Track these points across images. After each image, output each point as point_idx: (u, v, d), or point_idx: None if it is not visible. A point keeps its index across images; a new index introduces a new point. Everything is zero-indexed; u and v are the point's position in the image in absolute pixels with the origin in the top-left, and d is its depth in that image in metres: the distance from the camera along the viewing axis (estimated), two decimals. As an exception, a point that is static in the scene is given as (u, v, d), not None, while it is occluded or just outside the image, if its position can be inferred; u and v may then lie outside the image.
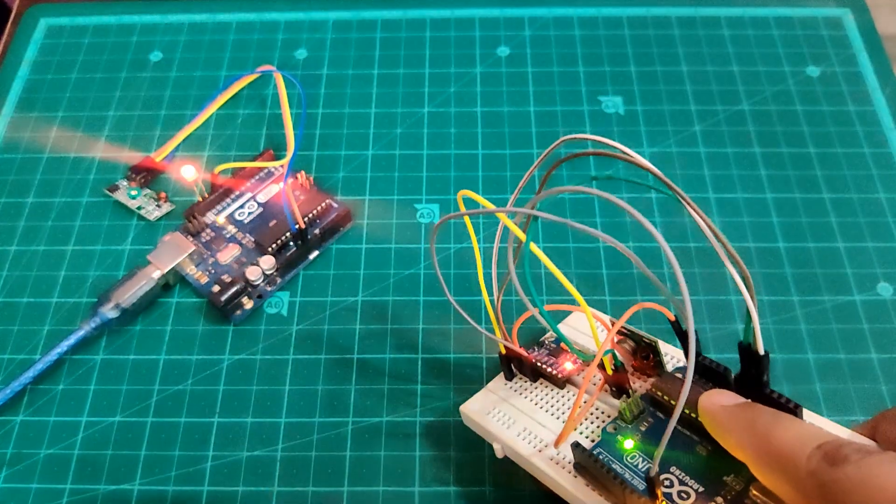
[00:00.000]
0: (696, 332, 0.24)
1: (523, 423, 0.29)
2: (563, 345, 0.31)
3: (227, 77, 0.47)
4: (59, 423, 0.35)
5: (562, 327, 0.34)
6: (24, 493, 0.33)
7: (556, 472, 0.27)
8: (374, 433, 0.34)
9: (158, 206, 0.41)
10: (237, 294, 0.37)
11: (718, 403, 0.23)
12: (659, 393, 0.27)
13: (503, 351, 0.31)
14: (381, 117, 0.45)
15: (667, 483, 0.24)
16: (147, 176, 0.42)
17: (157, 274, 0.37)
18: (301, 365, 0.36)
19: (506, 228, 0.26)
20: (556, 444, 0.27)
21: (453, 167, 0.42)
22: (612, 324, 0.27)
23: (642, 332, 0.28)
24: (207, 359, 0.36)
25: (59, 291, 0.39)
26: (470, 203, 0.27)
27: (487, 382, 0.35)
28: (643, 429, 0.27)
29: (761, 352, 0.23)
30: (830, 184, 0.41)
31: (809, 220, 0.40)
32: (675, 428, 0.25)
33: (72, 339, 0.35)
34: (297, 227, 0.37)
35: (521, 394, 0.31)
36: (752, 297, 0.22)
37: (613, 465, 0.26)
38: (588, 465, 0.25)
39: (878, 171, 0.42)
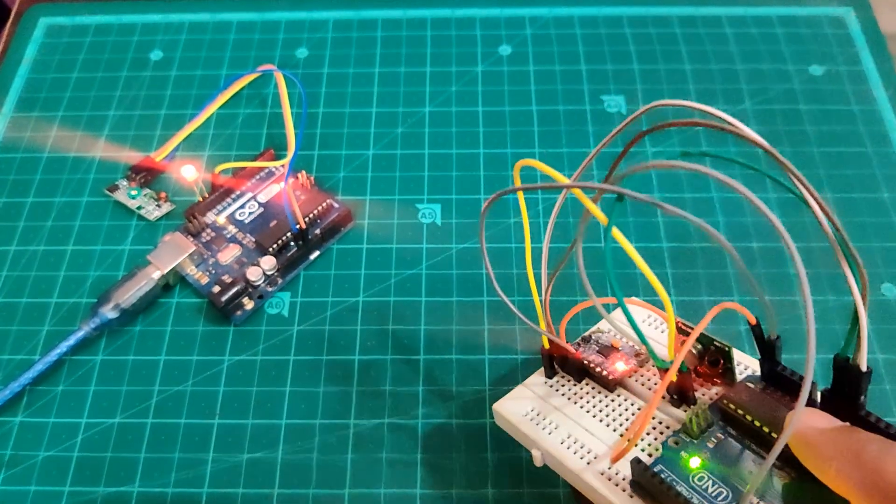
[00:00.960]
0: (778, 337, 0.23)
1: (567, 428, 0.27)
2: (614, 342, 0.29)
3: (227, 76, 0.47)
4: (59, 425, 0.34)
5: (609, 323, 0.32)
6: (23, 495, 0.33)
7: (610, 490, 0.24)
8: (376, 435, 0.34)
9: (158, 206, 0.41)
10: (238, 294, 0.37)
11: (812, 426, 0.20)
12: (731, 406, 0.24)
13: (546, 346, 0.29)
14: (382, 116, 0.45)
15: None
16: (147, 176, 0.42)
17: (157, 274, 0.37)
18: (302, 366, 0.36)
19: (570, 204, 0.23)
20: (615, 459, 0.24)
21: (455, 167, 0.42)
22: (678, 323, 0.25)
23: (713, 336, 0.26)
24: (208, 359, 0.36)
25: (59, 292, 0.38)
26: (526, 179, 0.24)
27: (490, 384, 0.35)
28: (711, 446, 0.24)
29: (864, 368, 0.21)
30: (834, 183, 0.41)
31: (813, 219, 0.39)
32: (750, 449, 0.23)
33: (71, 340, 0.35)
34: (297, 227, 0.37)
35: (563, 395, 0.28)
36: (864, 304, 0.19)
37: (678, 487, 0.22)
38: (648, 484, 0.23)
39: (881, 171, 0.42)
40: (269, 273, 0.37)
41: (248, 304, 0.37)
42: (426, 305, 0.37)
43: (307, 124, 0.44)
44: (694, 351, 0.26)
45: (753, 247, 0.39)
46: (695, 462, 0.23)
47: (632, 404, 0.27)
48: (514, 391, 0.30)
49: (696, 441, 0.24)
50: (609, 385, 0.28)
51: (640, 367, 0.28)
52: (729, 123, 0.19)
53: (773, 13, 0.49)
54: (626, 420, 0.27)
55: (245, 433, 0.34)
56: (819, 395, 0.23)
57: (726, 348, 0.26)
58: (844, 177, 0.41)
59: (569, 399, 0.28)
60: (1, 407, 0.34)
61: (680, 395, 0.26)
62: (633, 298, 0.28)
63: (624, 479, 0.24)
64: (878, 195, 0.41)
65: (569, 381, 0.29)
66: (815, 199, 0.19)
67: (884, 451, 0.19)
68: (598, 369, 0.28)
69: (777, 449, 0.17)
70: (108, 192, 0.41)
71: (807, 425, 0.21)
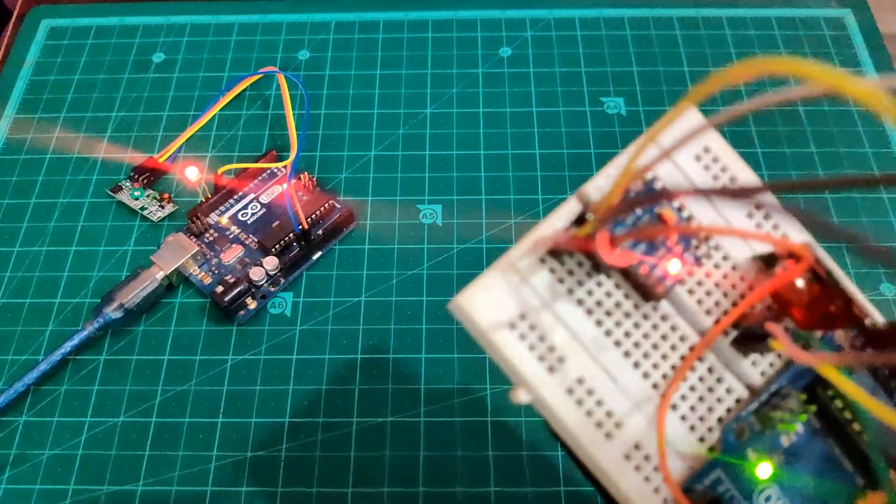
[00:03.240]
0: None
1: (578, 365, 0.17)
2: (664, 213, 0.17)
3: (229, 78, 0.47)
4: (63, 424, 0.35)
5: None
6: (28, 493, 0.33)
7: (639, 490, 0.17)
8: (378, 433, 0.34)
9: (161, 206, 0.41)
10: (241, 294, 0.37)
11: None
12: (838, 404, 0.17)
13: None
14: (384, 118, 0.45)
15: None
16: (150, 177, 0.42)
17: (160, 274, 0.37)
18: (304, 365, 0.36)
19: None
20: (664, 469, 0.16)
21: (456, 168, 0.43)
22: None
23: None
24: (211, 359, 0.36)
25: (63, 292, 0.39)
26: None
27: (491, 382, 0.35)
28: (785, 444, 0.17)
29: None
30: (833, 184, 0.41)
31: (812, 219, 0.40)
32: (836, 455, 0.17)
33: (75, 340, 0.35)
34: (300, 227, 0.38)
35: (573, 293, 0.18)
36: None
37: None
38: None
39: (880, 171, 0.42)
40: (271, 273, 0.38)
41: (251, 304, 0.37)
42: (427, 305, 0.37)
43: (309, 126, 0.44)
44: (801, 283, 0.17)
45: None
46: (764, 470, 0.16)
47: (681, 339, 0.18)
48: (490, 274, 0.18)
49: (766, 433, 0.17)
50: (650, 292, 0.17)
51: (698, 265, 0.18)
52: None
53: (773, 14, 0.49)
54: (665, 360, 0.18)
55: (248, 431, 0.34)
56: None
57: (828, 270, 0.17)
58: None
59: (581, 305, 0.18)
60: (6, 406, 0.34)
61: (750, 336, 0.17)
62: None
63: (656, 471, 0.17)
64: (878, 195, 0.41)
65: (580, 265, 0.18)
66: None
67: None
68: (641, 272, 0.17)
69: None
70: (111, 193, 0.42)
71: None
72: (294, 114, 0.43)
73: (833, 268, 0.17)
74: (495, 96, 0.46)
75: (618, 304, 0.18)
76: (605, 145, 0.43)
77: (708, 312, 0.18)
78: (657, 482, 0.17)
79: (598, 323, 0.18)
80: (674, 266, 0.17)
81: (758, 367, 0.18)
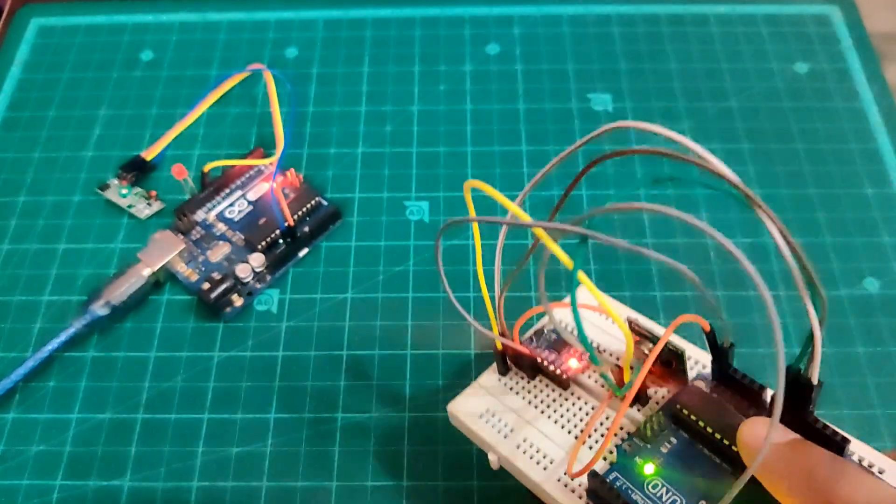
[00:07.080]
0: (732, 345, 0.24)
1: (523, 432, 0.27)
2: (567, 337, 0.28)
3: (217, 76, 0.47)
4: (50, 420, 0.35)
5: (557, 312, 0.31)
6: (15, 489, 0.33)
7: (569, 500, 0.24)
8: (363, 429, 0.34)
9: (149, 204, 0.41)
10: (227, 291, 0.37)
11: (763, 438, 0.19)
12: (684, 411, 0.24)
13: (499, 346, 0.28)
14: (371, 115, 0.45)
15: None
16: (138, 174, 0.42)
17: (147, 272, 0.37)
18: (290, 361, 0.36)
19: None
20: (572, 471, 0.24)
21: (443, 164, 0.43)
22: (633, 325, 0.25)
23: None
24: (197, 356, 0.36)
25: (51, 289, 0.39)
26: (479, 204, 0.24)
27: (476, 377, 0.35)
28: (664, 451, 0.24)
29: (815, 381, 0.21)
30: (817, 179, 0.42)
31: (796, 215, 0.40)
32: (702, 454, 0.24)
33: (63, 337, 0.36)
34: (286, 224, 0.38)
35: (517, 393, 0.28)
36: (820, 326, 0.19)
37: (634, 496, 0.23)
38: (605, 495, 0.23)
39: (864, 167, 0.42)
40: (257, 270, 0.38)
41: (238, 301, 0.37)
42: (413, 302, 0.38)
43: (296, 123, 0.45)
44: (646, 350, 0.26)
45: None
46: (649, 468, 0.23)
47: (585, 403, 0.27)
48: (467, 391, 0.29)
49: (650, 445, 0.24)
50: (562, 383, 0.27)
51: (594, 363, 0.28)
52: (699, 157, 0.17)
53: (759, 11, 0.50)
54: (581, 421, 0.27)
55: (234, 427, 0.34)
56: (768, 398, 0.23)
57: (679, 351, 0.25)
58: (828, 173, 0.42)
59: (523, 398, 0.28)
60: (-7, 403, 0.35)
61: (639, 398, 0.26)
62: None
63: (581, 486, 0.24)
64: (861, 191, 0.41)
65: (522, 377, 0.29)
66: (776, 225, 0.18)
67: (836, 472, 0.19)
68: (551, 367, 0.27)
69: (745, 478, 0.18)
70: (99, 191, 0.42)
71: (756, 436, 0.21)
72: (281, 111, 0.43)
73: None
74: (482, 93, 0.46)
75: (546, 393, 0.28)
76: (591, 142, 0.43)
77: (602, 387, 0.27)
78: (574, 486, 0.25)
79: (534, 406, 0.28)
80: (573, 363, 0.28)
81: (641, 412, 0.27)
